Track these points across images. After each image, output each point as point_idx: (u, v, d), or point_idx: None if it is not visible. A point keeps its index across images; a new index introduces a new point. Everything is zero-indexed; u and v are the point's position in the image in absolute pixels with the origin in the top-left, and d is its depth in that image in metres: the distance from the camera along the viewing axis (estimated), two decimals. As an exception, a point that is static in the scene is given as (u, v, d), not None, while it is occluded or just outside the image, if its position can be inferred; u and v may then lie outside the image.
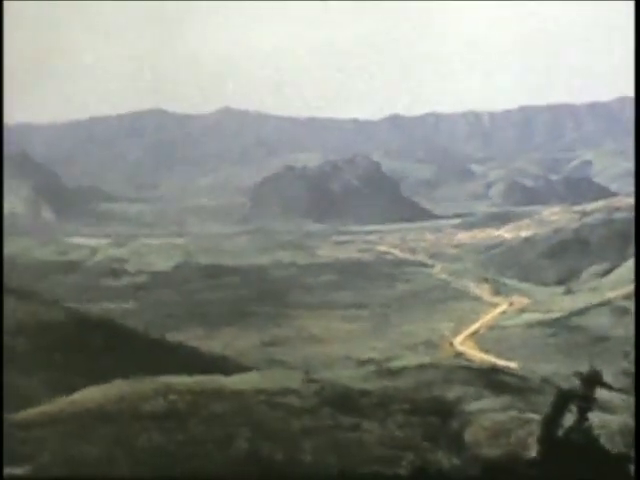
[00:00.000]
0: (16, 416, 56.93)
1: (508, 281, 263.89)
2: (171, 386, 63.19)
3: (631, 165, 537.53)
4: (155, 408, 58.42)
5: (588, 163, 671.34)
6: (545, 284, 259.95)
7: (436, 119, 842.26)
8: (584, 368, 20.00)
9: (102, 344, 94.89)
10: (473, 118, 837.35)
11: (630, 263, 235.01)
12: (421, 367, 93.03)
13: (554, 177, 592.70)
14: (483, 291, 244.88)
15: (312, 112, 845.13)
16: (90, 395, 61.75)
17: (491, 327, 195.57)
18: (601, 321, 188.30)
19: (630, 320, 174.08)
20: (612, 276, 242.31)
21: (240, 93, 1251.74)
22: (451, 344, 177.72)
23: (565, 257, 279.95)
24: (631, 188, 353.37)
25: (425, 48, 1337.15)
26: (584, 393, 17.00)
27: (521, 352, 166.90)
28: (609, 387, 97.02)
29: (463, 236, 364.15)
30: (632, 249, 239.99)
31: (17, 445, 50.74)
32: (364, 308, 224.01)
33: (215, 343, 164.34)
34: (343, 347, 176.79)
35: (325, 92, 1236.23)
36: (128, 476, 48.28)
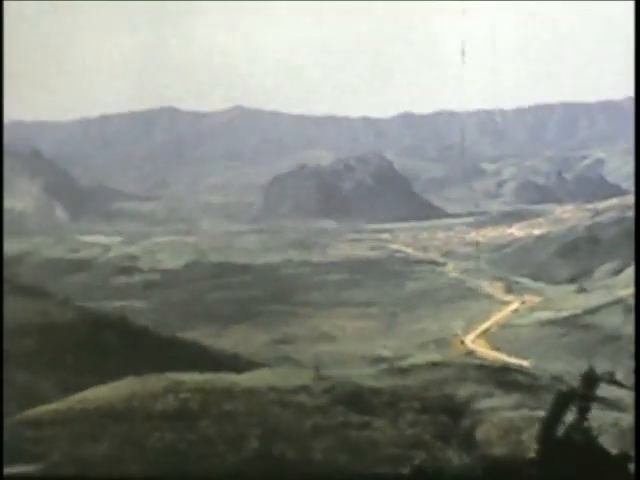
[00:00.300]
0: (26, 414, 56.87)
1: (520, 279, 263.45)
2: (182, 384, 62.98)
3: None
4: (166, 406, 58.23)
5: (600, 161, 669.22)
6: (557, 282, 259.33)
7: (448, 117, 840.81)
8: (597, 367, 19.85)
9: (113, 342, 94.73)
10: (485, 116, 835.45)
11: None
12: (432, 365, 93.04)
13: (567, 175, 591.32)
14: (495, 289, 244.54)
15: (324, 110, 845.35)
16: (100, 393, 61.59)
17: (503, 325, 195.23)
18: (613, 320, 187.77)
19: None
20: (624, 274, 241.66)
21: (252, 91, 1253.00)
22: (462, 342, 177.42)
23: (577, 255, 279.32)
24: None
25: (435, 46, 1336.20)
26: (584, 392, 16.84)
27: (533, 350, 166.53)
28: (620, 385, 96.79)
29: (475, 234, 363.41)
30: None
31: (28, 444, 50.69)
32: (375, 306, 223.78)
33: (226, 341, 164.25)
34: (354, 345, 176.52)
35: (337, 90, 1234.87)
36: (138, 475, 48.13)
